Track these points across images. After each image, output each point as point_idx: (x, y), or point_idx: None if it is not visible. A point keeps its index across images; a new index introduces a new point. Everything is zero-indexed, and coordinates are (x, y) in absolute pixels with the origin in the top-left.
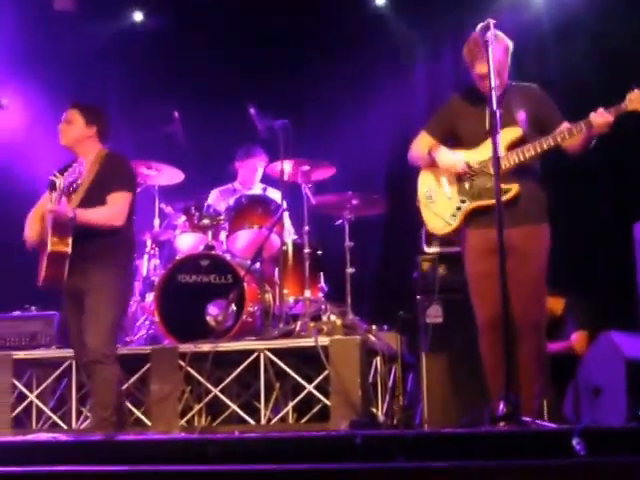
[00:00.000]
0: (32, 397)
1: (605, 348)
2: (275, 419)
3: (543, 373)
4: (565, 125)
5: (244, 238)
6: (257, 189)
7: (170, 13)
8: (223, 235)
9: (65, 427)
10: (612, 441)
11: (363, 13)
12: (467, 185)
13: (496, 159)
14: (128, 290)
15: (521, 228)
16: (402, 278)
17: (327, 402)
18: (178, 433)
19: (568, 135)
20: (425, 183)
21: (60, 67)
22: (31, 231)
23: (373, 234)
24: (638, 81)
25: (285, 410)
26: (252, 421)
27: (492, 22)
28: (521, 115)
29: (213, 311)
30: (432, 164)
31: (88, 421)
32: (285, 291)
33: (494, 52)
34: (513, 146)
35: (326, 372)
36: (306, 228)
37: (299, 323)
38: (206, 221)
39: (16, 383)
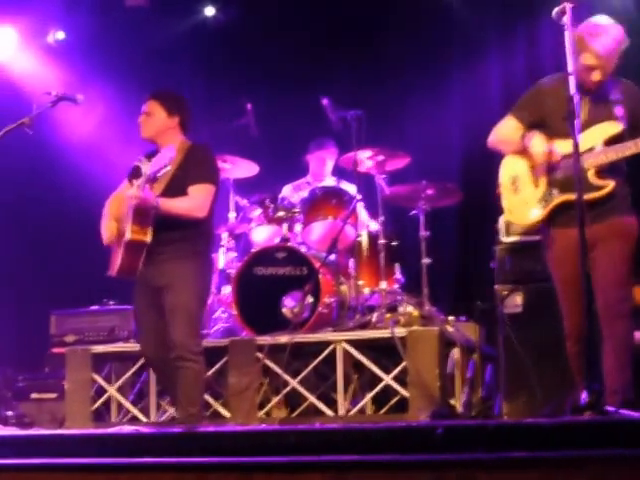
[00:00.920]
0: (111, 391)
1: None
2: (353, 410)
3: (628, 366)
4: None
5: (319, 230)
6: (329, 182)
7: (241, 6)
8: (298, 227)
9: (144, 420)
10: None
11: None
12: (558, 176)
13: (576, 146)
14: (209, 284)
15: (607, 221)
16: (479, 268)
17: (405, 393)
18: (257, 425)
19: None
20: (510, 169)
21: (133, 63)
22: (109, 224)
23: (449, 224)
24: None
25: (363, 401)
26: (330, 413)
27: (569, 6)
28: (619, 111)
29: (289, 303)
30: (521, 150)
31: (167, 415)
32: (361, 282)
33: (604, 41)
34: (611, 142)
35: (403, 363)
36: (381, 219)
37: (375, 314)
38: (281, 213)
39: (95, 377)
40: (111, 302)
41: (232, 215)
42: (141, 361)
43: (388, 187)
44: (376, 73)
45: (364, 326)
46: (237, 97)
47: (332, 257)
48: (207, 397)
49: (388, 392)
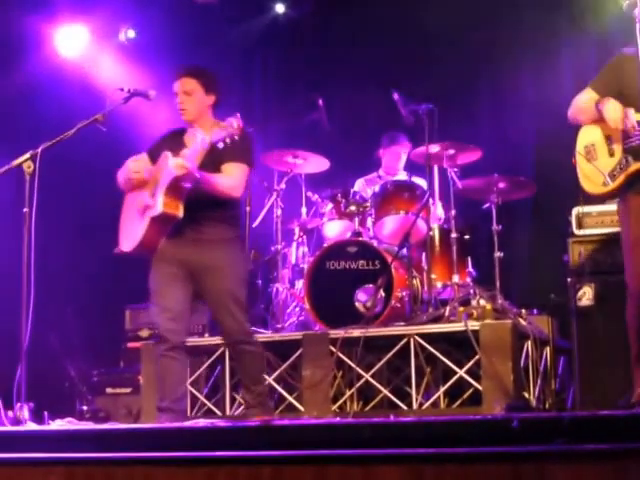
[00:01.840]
0: (186, 385)
1: None
2: (426, 404)
3: None
4: None
5: (391, 224)
6: (402, 176)
7: (311, 2)
8: (370, 221)
9: (219, 414)
10: None
11: None
12: (634, 144)
13: None
14: (247, 263)
15: None
16: (552, 261)
17: (479, 387)
18: (331, 418)
19: None
20: (586, 137)
21: (204, 60)
22: (131, 176)
23: (521, 217)
24: None
25: (436, 395)
26: (403, 406)
27: None
28: None
29: (362, 297)
30: (597, 118)
31: (242, 408)
32: (433, 276)
33: None
34: None
35: (477, 357)
36: (452, 213)
37: (448, 308)
38: (353, 208)
39: None
40: None
41: (304, 210)
42: (215, 355)
43: (460, 181)
44: (447, 66)
45: (437, 320)
46: (308, 92)
47: (404, 251)
48: (281, 390)
49: (461, 385)
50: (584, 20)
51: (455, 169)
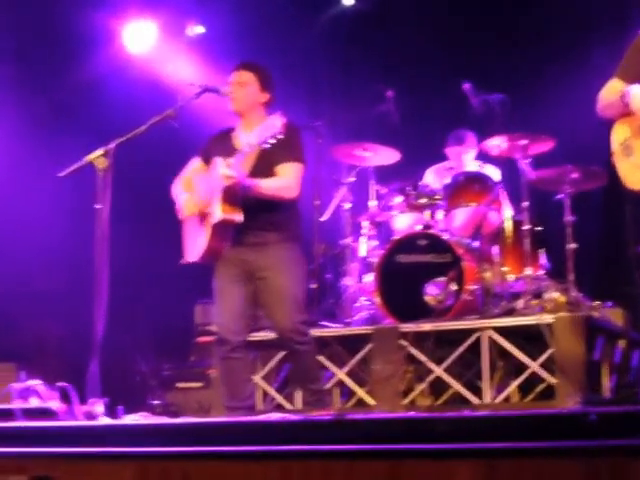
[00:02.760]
0: (257, 379)
1: None
2: (499, 398)
3: None
4: None
5: (462, 216)
6: (472, 166)
7: None
8: (440, 214)
9: (289, 407)
10: None
11: None
12: None
13: None
14: (305, 263)
15: None
16: (626, 253)
17: (552, 380)
18: (404, 412)
19: None
20: (620, 133)
21: (271, 54)
22: (188, 198)
23: (595, 208)
24: None
25: (509, 389)
26: (475, 400)
27: None
28: None
29: (432, 290)
30: (626, 112)
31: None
32: (505, 269)
33: None
34: None
35: (550, 350)
36: (525, 204)
37: (521, 301)
38: (423, 200)
39: None
40: None
41: (373, 203)
42: None
43: (533, 171)
44: (519, 55)
45: (509, 313)
46: (377, 84)
47: (475, 244)
48: (351, 384)
49: (533, 379)
50: None
51: (527, 160)
